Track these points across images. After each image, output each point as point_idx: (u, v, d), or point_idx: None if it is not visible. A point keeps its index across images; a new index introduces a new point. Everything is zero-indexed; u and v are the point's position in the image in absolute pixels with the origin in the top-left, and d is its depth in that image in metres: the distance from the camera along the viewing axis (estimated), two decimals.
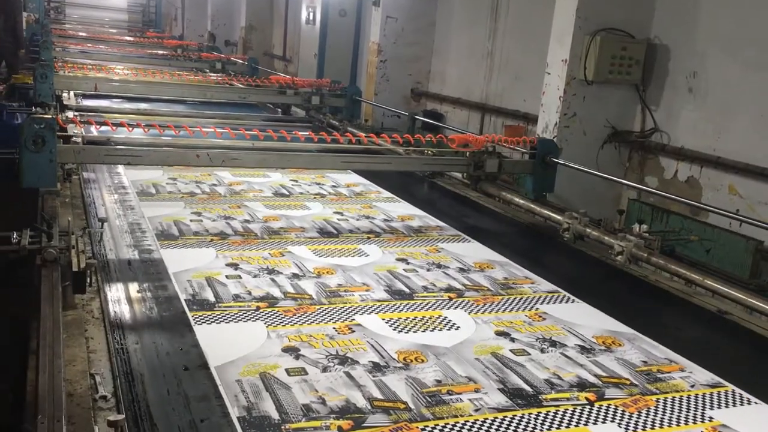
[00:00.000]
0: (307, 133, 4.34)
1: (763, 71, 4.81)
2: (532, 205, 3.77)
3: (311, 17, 11.59)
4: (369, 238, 3.32)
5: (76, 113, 5.15)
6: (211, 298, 2.45)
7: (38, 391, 1.64)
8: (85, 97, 6.22)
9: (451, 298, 2.66)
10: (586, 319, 2.58)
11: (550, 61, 5.82)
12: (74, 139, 3.58)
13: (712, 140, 5.16)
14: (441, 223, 3.68)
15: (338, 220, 3.57)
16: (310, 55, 11.59)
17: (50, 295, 2.15)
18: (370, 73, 9.28)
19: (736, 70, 5.02)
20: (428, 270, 2.94)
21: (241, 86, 6.85)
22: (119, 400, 1.75)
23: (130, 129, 3.78)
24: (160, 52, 10.25)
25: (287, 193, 4.02)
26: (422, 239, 3.38)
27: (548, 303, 2.70)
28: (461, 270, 2.98)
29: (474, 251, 3.25)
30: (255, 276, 2.69)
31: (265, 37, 15.33)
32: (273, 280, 2.67)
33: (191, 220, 3.26)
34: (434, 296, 2.66)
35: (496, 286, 2.83)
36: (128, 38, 12.51)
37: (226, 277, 2.66)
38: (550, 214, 3.61)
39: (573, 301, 2.75)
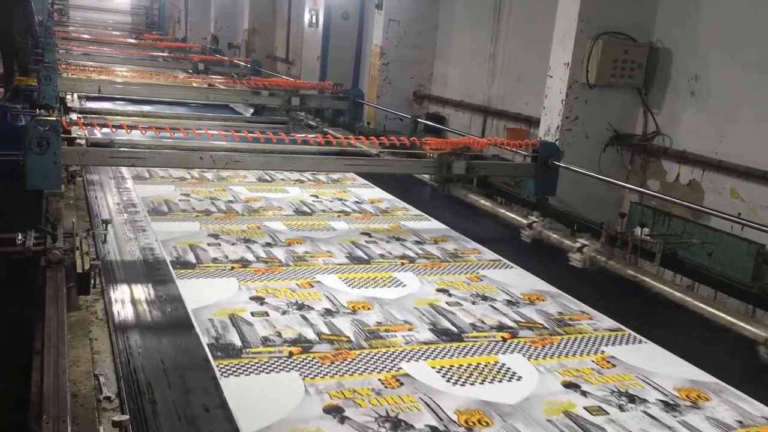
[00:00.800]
0: (315, 136, 4.35)
1: (765, 74, 4.82)
2: (498, 208, 3.80)
3: (314, 20, 11.61)
4: (403, 264, 3.06)
5: (80, 115, 5.17)
6: (238, 342, 2.18)
7: (43, 392, 1.65)
8: (89, 99, 6.25)
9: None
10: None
11: (552, 64, 5.83)
12: (78, 141, 3.60)
13: (714, 143, 5.16)
14: (478, 246, 3.42)
15: (366, 242, 3.31)
16: (313, 57, 11.61)
17: (55, 297, 2.17)
18: (372, 76, 9.29)
19: (738, 73, 5.02)
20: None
21: (245, 88, 6.86)
22: (123, 401, 1.76)
23: (129, 131, 3.79)
24: (161, 54, 10.27)
25: (309, 211, 3.77)
26: (461, 266, 3.12)
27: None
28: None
29: (519, 280, 2.99)
30: (284, 313, 2.42)
31: (268, 39, 15.35)
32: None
33: (209, 244, 2.94)
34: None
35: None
36: (131, 40, 12.53)
37: (252, 314, 2.39)
38: (514, 216, 3.59)
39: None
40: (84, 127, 4.03)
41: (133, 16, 19.92)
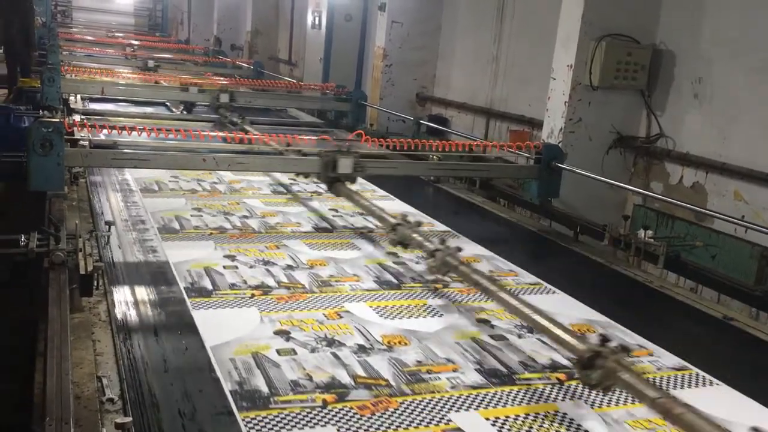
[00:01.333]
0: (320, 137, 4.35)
1: None
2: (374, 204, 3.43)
3: (317, 21, 11.61)
4: (437, 289, 2.80)
5: (83, 117, 5.18)
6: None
7: (46, 394, 1.65)
8: (92, 100, 6.25)
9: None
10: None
11: (555, 66, 5.82)
12: (81, 142, 3.60)
13: (718, 146, 5.15)
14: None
15: (394, 263, 3.07)
16: (316, 59, 11.61)
17: (58, 298, 2.17)
18: (375, 78, 9.29)
19: (742, 75, 5.01)
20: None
21: (247, 90, 6.86)
22: (126, 403, 1.76)
23: (130, 133, 3.80)
24: (166, 55, 10.29)
25: (330, 227, 3.57)
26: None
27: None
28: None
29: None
30: (313, 350, 2.26)
31: (271, 41, 15.37)
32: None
33: (225, 267, 2.78)
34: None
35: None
36: (134, 42, 12.55)
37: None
38: (383, 215, 3.14)
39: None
40: (88, 129, 4.03)
41: (136, 18, 19.95)
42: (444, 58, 9.02)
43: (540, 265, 3.17)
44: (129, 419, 1.60)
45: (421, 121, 5.91)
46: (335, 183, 3.58)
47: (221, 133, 4.07)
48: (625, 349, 1.77)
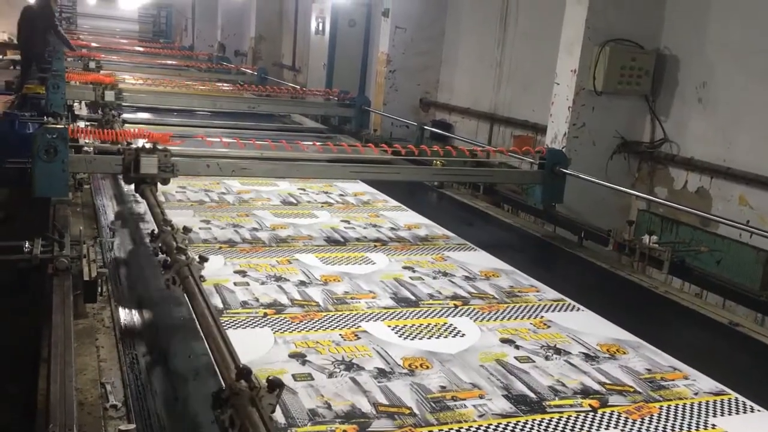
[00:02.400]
0: (311, 144, 4.36)
1: None
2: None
3: (320, 27, 11.64)
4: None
5: (88, 123, 5.19)
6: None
7: (50, 400, 1.65)
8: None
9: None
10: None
11: (559, 71, 5.82)
12: (85, 149, 3.61)
13: (722, 151, 5.14)
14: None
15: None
16: (320, 65, 11.64)
17: (62, 304, 2.17)
18: (378, 83, 9.31)
19: (746, 80, 5.00)
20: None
21: (251, 96, 6.88)
22: (129, 410, 1.76)
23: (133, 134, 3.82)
24: (170, 62, 10.32)
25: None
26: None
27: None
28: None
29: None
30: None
31: (275, 47, 15.40)
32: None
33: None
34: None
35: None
36: (138, 48, 12.59)
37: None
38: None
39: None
40: (92, 135, 4.03)
41: (140, 24, 20.01)
42: (447, 63, 9.03)
43: (556, 276, 3.14)
44: (132, 426, 1.60)
45: (425, 127, 5.90)
46: (141, 185, 3.19)
47: (227, 139, 4.07)
48: (274, 387, 1.45)
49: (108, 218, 3.41)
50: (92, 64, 8.07)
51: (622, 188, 4.40)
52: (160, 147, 3.25)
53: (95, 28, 18.32)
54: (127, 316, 2.36)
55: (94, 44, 12.62)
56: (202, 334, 1.83)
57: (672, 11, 5.58)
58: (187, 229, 2.58)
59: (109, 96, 5.53)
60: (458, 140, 6.44)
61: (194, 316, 1.94)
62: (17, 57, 15.94)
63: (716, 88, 5.23)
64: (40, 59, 10.48)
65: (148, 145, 3.24)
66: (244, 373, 1.47)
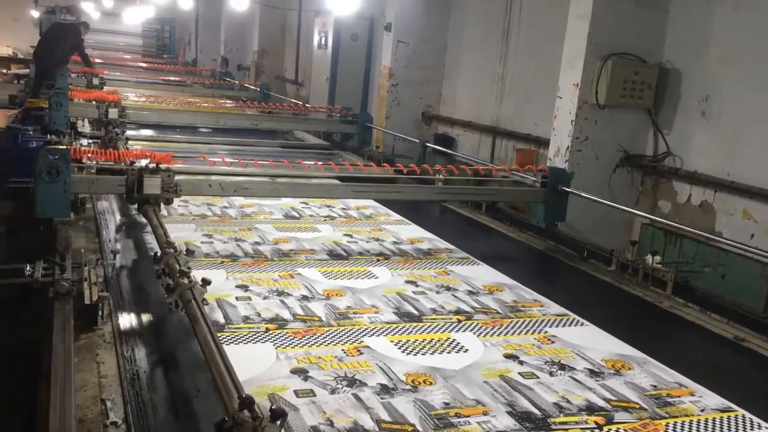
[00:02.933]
0: (313, 163, 4.36)
1: None
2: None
3: (323, 41, 11.68)
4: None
5: (91, 141, 5.21)
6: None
7: (49, 417, 1.65)
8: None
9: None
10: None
11: (561, 85, 5.82)
12: (88, 168, 3.61)
13: (726, 164, 5.13)
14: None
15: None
16: (322, 78, 11.67)
17: (62, 329, 2.16)
18: (381, 97, 9.32)
19: (750, 93, 4.99)
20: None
21: (253, 113, 6.90)
22: (130, 426, 1.75)
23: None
24: (173, 78, 10.37)
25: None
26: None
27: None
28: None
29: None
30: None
31: (278, 61, 15.47)
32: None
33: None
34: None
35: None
36: (142, 64, 12.64)
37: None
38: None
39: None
40: (94, 155, 4.04)
41: (144, 39, 20.10)
42: (450, 77, 9.04)
43: (559, 290, 3.11)
44: None
45: (427, 144, 5.89)
46: (145, 205, 3.24)
47: (229, 159, 4.08)
48: (277, 416, 1.46)
49: (110, 237, 3.40)
50: (96, 81, 8.10)
51: (624, 207, 4.36)
52: (163, 167, 3.26)
53: (99, 42, 18.38)
54: (128, 331, 2.35)
55: (97, 60, 12.67)
56: (204, 359, 1.83)
57: (674, 25, 5.58)
58: (190, 252, 2.59)
59: (113, 113, 5.54)
60: (460, 158, 6.44)
61: (197, 341, 1.94)
62: (21, 71, 16.06)
63: (719, 101, 5.22)
64: (52, 77, 10.60)
65: (151, 166, 3.26)
66: (247, 402, 1.47)
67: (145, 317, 2.51)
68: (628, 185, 5.79)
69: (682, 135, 5.52)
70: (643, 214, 4.68)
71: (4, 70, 20.65)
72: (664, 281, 2.95)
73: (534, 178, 4.06)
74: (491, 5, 8.01)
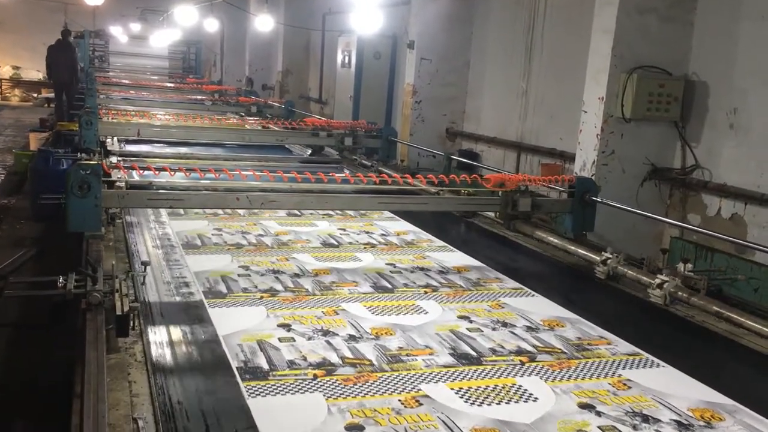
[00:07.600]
0: (344, 175, 4.36)
1: None
2: (568, 245, 3.67)
3: (347, 60, 11.79)
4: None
5: (120, 158, 5.28)
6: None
7: None
8: (128, 142, 6.37)
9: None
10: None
11: (586, 99, 5.81)
12: (118, 183, 3.66)
13: (756, 177, 5.06)
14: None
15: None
16: (346, 97, 11.76)
17: (94, 340, 2.18)
18: (405, 114, 9.36)
19: None
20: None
21: (278, 129, 6.96)
22: None
23: (172, 173, 3.88)
24: (200, 97, 10.51)
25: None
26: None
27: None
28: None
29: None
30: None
31: (302, 80, 15.63)
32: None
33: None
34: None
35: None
36: (169, 84, 12.84)
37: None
38: (586, 252, 3.48)
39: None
40: (124, 170, 4.09)
41: (170, 61, 20.43)
42: (473, 93, 9.06)
43: (618, 321, 2.84)
44: None
45: (452, 156, 5.89)
46: (513, 221, 3.92)
47: (258, 173, 4.10)
48: None
49: (140, 251, 3.44)
50: (254, 108, 8.53)
51: (653, 215, 4.31)
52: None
53: (127, 65, 18.72)
54: (158, 350, 2.36)
55: (125, 81, 12.90)
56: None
57: (700, 37, 5.55)
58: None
59: (142, 131, 5.63)
60: (485, 169, 6.43)
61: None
62: (51, 95, 16.39)
63: (748, 113, 5.16)
64: (68, 90, 11.24)
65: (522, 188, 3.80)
66: None
67: (175, 335, 2.51)
68: (656, 199, 5.74)
69: (711, 148, 5.47)
70: (674, 222, 4.63)
71: (35, 95, 21.11)
72: (697, 289, 2.87)
73: (561, 188, 4.03)
74: (514, 22, 8.04)
